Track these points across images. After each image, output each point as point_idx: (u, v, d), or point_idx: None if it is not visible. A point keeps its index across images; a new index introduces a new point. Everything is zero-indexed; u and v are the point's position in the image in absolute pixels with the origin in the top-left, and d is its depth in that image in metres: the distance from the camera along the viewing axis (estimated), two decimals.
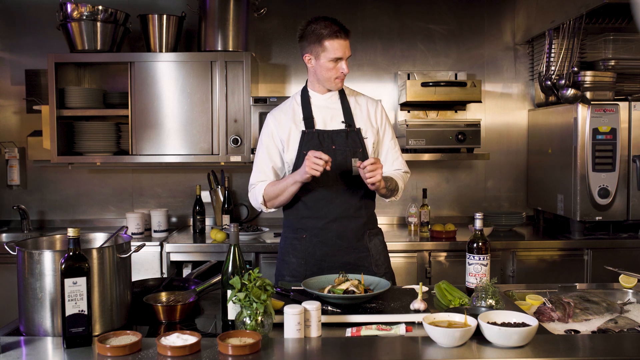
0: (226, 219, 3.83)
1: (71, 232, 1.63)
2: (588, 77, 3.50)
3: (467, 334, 1.62)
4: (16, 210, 3.90)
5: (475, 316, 1.67)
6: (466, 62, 4.09)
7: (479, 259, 2.07)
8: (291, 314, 1.67)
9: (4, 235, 3.86)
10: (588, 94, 3.48)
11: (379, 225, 2.54)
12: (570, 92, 3.39)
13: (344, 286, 1.98)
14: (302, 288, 2.05)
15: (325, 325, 1.80)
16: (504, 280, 3.41)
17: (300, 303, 1.72)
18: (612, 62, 3.58)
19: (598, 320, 1.92)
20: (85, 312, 1.63)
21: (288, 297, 2.03)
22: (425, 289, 2.08)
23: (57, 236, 2.01)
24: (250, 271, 1.71)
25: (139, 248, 1.93)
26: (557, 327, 1.86)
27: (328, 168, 2.16)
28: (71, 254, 1.63)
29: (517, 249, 3.44)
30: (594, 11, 3.29)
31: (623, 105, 3.42)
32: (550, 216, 3.92)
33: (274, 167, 2.43)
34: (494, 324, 1.65)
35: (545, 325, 1.86)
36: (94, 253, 1.76)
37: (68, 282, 1.61)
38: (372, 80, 4.08)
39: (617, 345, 1.69)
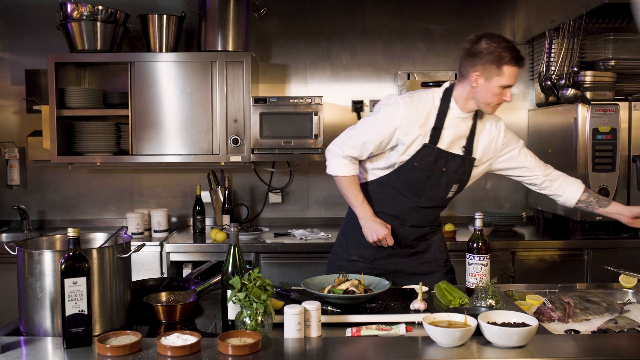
0: (226, 219, 3.83)
1: (71, 232, 1.63)
2: (588, 77, 3.50)
3: (467, 334, 1.62)
4: (16, 210, 3.90)
5: (475, 316, 1.67)
6: None
7: (479, 259, 2.07)
8: (291, 314, 1.67)
9: (4, 235, 3.85)
10: (588, 94, 3.48)
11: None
12: (570, 92, 3.39)
13: (343, 286, 1.98)
14: (302, 288, 2.05)
15: (325, 325, 1.80)
16: (504, 280, 3.41)
17: (300, 303, 1.72)
18: (612, 62, 3.57)
19: (598, 320, 1.92)
20: (85, 312, 1.63)
21: (288, 297, 2.03)
22: (425, 289, 2.08)
23: (57, 236, 2.02)
24: (250, 271, 1.71)
25: (139, 248, 1.93)
26: (557, 327, 1.86)
27: (385, 244, 2.29)
28: (71, 254, 1.63)
29: (517, 249, 3.44)
30: (594, 11, 3.29)
31: (623, 105, 3.42)
32: (550, 216, 3.92)
33: (372, 152, 2.31)
34: (494, 324, 1.65)
35: (545, 325, 1.86)
36: (94, 253, 1.76)
37: (68, 282, 1.61)
38: (372, 80, 4.08)
39: (617, 345, 1.69)
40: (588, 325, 1.88)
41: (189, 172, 4.08)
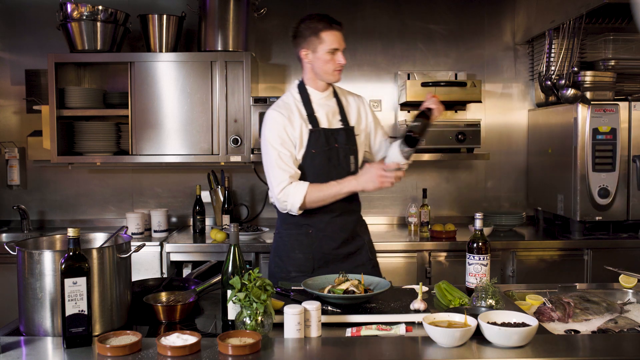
0: (226, 219, 3.83)
1: (71, 232, 1.63)
2: (588, 77, 3.50)
3: (467, 334, 1.62)
4: (16, 210, 3.90)
5: (475, 316, 1.67)
6: (466, 62, 4.09)
7: (479, 259, 2.07)
8: (291, 314, 1.67)
9: (4, 235, 3.85)
10: (588, 94, 3.48)
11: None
12: (570, 92, 3.39)
13: (343, 286, 1.98)
14: (302, 288, 2.05)
15: (325, 325, 1.80)
16: (504, 280, 3.41)
17: (300, 303, 1.72)
18: (612, 62, 3.57)
19: (598, 320, 1.92)
20: (85, 312, 1.63)
21: (288, 297, 2.03)
22: (425, 289, 2.08)
23: (57, 236, 2.02)
24: (250, 271, 1.71)
25: (139, 248, 1.93)
26: (557, 327, 1.86)
27: (392, 179, 2.26)
28: (71, 254, 1.63)
29: (517, 249, 3.44)
30: (594, 11, 3.29)
31: (623, 105, 3.42)
32: (550, 216, 3.92)
33: (295, 161, 2.38)
34: (494, 324, 1.65)
35: (545, 325, 1.86)
36: (94, 253, 1.76)
37: (68, 282, 1.61)
38: (372, 80, 4.08)
39: (617, 345, 1.69)
40: (588, 325, 1.88)
41: (189, 172, 4.08)
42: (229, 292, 1.76)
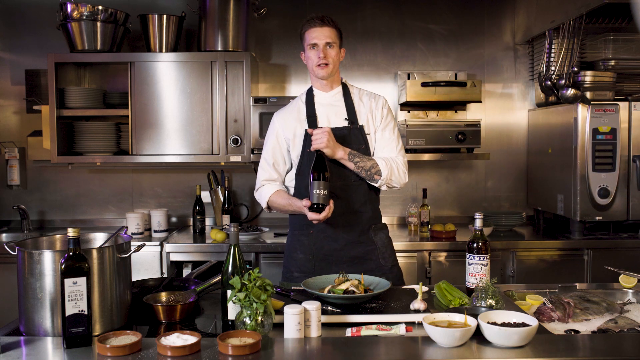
0: (226, 219, 3.83)
1: (71, 232, 1.63)
2: (588, 77, 3.50)
3: (467, 334, 1.62)
4: (16, 210, 3.90)
5: (475, 316, 1.67)
6: (466, 62, 4.09)
7: (479, 259, 2.07)
8: (291, 314, 1.67)
9: (4, 235, 3.86)
10: (588, 94, 3.48)
11: (385, 223, 2.57)
12: (570, 92, 3.39)
13: (344, 286, 1.98)
14: (302, 288, 2.04)
15: (325, 325, 1.80)
16: (504, 280, 3.41)
17: (300, 303, 1.72)
18: (612, 62, 3.57)
19: (598, 320, 1.92)
20: (85, 312, 1.63)
21: (288, 297, 2.03)
22: (425, 289, 2.08)
23: (57, 236, 2.01)
24: (250, 271, 1.71)
25: (139, 248, 1.93)
26: (557, 327, 1.86)
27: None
28: (71, 254, 1.63)
29: (517, 249, 3.44)
30: (594, 11, 3.29)
31: (623, 105, 3.42)
32: (550, 216, 3.92)
33: (277, 168, 2.49)
34: (494, 324, 1.65)
35: (545, 325, 1.86)
36: (94, 253, 1.76)
37: (68, 282, 1.61)
38: (372, 80, 4.08)
39: (617, 345, 1.69)
40: (588, 325, 1.88)
41: (189, 172, 4.08)
42: (229, 292, 1.76)
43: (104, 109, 3.73)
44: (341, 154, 2.31)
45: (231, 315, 1.80)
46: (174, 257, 3.44)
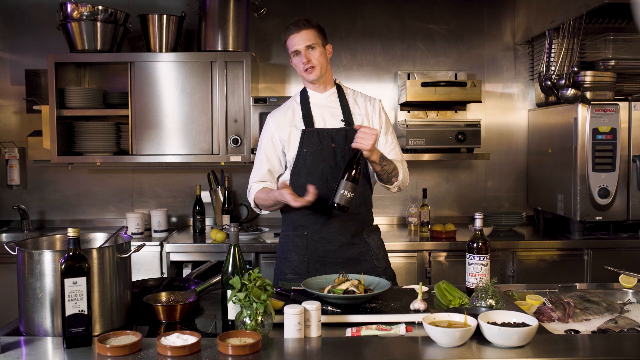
0: (226, 219, 3.83)
1: (71, 232, 1.63)
2: (588, 77, 3.50)
3: (467, 334, 1.62)
4: (16, 210, 3.90)
5: (475, 316, 1.67)
6: (466, 62, 4.10)
7: (479, 259, 2.07)
8: (291, 314, 1.67)
9: (4, 235, 3.86)
10: (588, 94, 3.48)
11: (377, 224, 2.57)
12: (570, 92, 3.39)
13: (344, 286, 1.98)
14: (302, 288, 2.04)
15: (325, 325, 1.80)
16: (504, 280, 3.41)
17: (300, 303, 1.72)
18: (612, 62, 3.58)
19: (598, 320, 1.92)
20: (85, 312, 1.63)
21: (288, 297, 2.03)
22: (425, 289, 2.08)
23: (57, 236, 2.01)
24: (250, 271, 1.70)
25: (139, 248, 1.93)
26: (557, 327, 1.85)
27: (310, 198, 2.19)
28: (71, 254, 1.63)
29: (517, 249, 3.44)
30: (594, 11, 3.29)
31: (623, 105, 3.42)
32: (550, 216, 3.92)
33: (270, 169, 2.47)
34: (494, 324, 1.65)
35: (545, 325, 1.86)
36: (94, 253, 1.76)
37: (68, 282, 1.61)
38: (372, 80, 4.08)
39: (617, 345, 1.69)
40: (588, 325, 1.88)
41: (189, 172, 4.08)
42: (229, 292, 1.76)
43: (104, 109, 3.73)
44: (377, 157, 2.28)
45: (231, 315, 1.80)
46: (174, 257, 3.45)
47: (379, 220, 4.00)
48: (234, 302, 1.69)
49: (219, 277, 2.10)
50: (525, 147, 4.13)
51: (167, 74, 3.62)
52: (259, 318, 1.67)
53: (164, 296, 2.02)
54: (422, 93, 3.70)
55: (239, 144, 3.63)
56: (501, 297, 1.99)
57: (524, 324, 1.66)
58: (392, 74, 4.08)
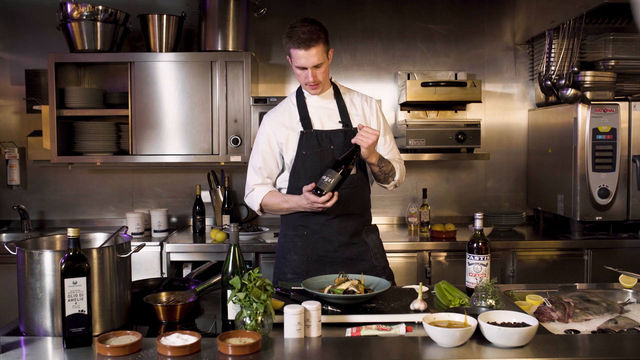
0: (226, 219, 3.83)
1: (71, 232, 1.63)
2: (588, 77, 3.50)
3: (467, 334, 1.62)
4: (16, 210, 3.90)
5: (475, 316, 1.67)
6: (466, 62, 4.10)
7: (479, 259, 2.07)
8: (291, 314, 1.67)
9: (4, 235, 3.86)
10: (588, 94, 3.48)
11: (377, 224, 2.57)
12: (570, 92, 3.39)
13: (344, 286, 1.98)
14: (302, 288, 2.04)
15: (325, 325, 1.80)
16: (504, 280, 3.41)
17: (300, 303, 1.72)
18: (612, 62, 3.58)
19: (598, 320, 1.92)
20: (85, 312, 1.63)
21: (288, 297, 2.03)
22: (425, 289, 2.08)
23: (57, 236, 2.01)
24: (250, 271, 1.70)
25: (139, 248, 1.93)
26: (557, 327, 1.86)
27: (330, 204, 2.18)
28: (71, 254, 1.63)
29: (517, 249, 3.44)
30: (594, 11, 3.29)
31: (623, 105, 3.42)
32: (550, 216, 3.92)
33: (268, 171, 2.45)
34: (494, 324, 1.65)
35: (545, 325, 1.86)
36: (94, 253, 1.76)
37: (68, 282, 1.61)
38: (372, 80, 4.08)
39: (617, 345, 1.69)
40: (588, 325, 1.88)
41: (189, 172, 4.08)
42: (229, 292, 1.76)
43: (104, 109, 3.73)
44: (375, 159, 2.31)
45: (231, 315, 1.80)
46: (174, 257, 3.45)
47: (379, 220, 4.01)
48: (234, 302, 1.69)
49: (219, 277, 2.10)
50: (525, 147, 4.13)
51: (167, 74, 3.62)
52: (259, 318, 1.67)
53: (164, 296, 2.02)
54: (422, 93, 3.70)
55: (239, 144, 3.63)
56: (501, 297, 1.99)
57: (524, 324, 1.66)
58: (392, 74, 4.08)
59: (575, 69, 3.48)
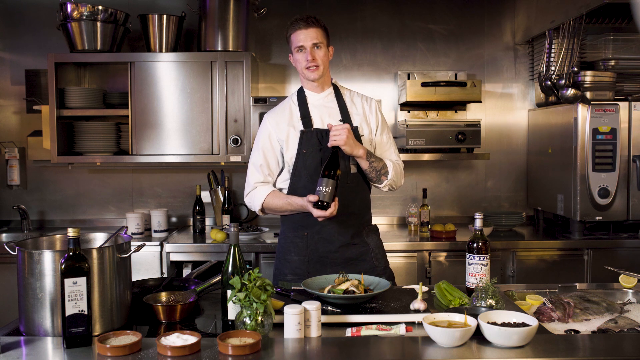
0: (226, 219, 3.83)
1: (71, 232, 1.63)
2: (588, 77, 3.50)
3: (467, 334, 1.62)
4: (16, 210, 3.90)
5: (475, 316, 1.67)
6: (466, 62, 4.10)
7: (479, 259, 2.07)
8: (291, 314, 1.67)
9: (4, 235, 3.86)
10: (588, 94, 3.48)
11: (377, 224, 2.57)
12: (570, 92, 3.39)
13: (344, 286, 1.98)
14: (302, 288, 2.04)
15: (325, 325, 1.80)
16: (504, 280, 3.41)
17: (300, 303, 1.72)
18: (612, 62, 3.58)
19: (598, 320, 1.92)
20: (85, 312, 1.63)
21: (288, 297, 2.03)
22: (425, 289, 2.08)
23: (57, 236, 2.01)
24: (250, 271, 1.70)
25: (139, 248, 1.93)
26: (557, 327, 1.86)
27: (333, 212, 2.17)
28: (71, 254, 1.63)
29: (517, 249, 3.44)
30: (594, 11, 3.29)
31: (623, 105, 3.42)
32: (550, 216, 3.92)
33: (269, 170, 2.45)
34: (494, 324, 1.65)
35: (545, 325, 1.86)
36: (94, 253, 1.76)
37: (68, 282, 1.61)
38: (372, 80, 4.08)
39: (617, 345, 1.69)
40: (588, 325, 1.88)
41: (189, 172, 4.08)
42: (229, 292, 1.76)
43: (104, 109, 3.73)
44: (361, 152, 2.29)
45: (231, 315, 1.80)
46: (174, 257, 3.45)
47: (379, 220, 4.01)
48: (234, 302, 1.69)
49: (219, 277, 2.10)
50: (525, 147, 4.13)
51: (167, 74, 3.62)
52: (259, 318, 1.67)
53: (164, 296, 2.02)
54: (422, 93, 3.70)
55: (239, 144, 3.63)
56: (501, 297, 1.99)
57: (524, 324, 1.66)
58: (392, 74, 4.08)
59: (575, 69, 3.48)
